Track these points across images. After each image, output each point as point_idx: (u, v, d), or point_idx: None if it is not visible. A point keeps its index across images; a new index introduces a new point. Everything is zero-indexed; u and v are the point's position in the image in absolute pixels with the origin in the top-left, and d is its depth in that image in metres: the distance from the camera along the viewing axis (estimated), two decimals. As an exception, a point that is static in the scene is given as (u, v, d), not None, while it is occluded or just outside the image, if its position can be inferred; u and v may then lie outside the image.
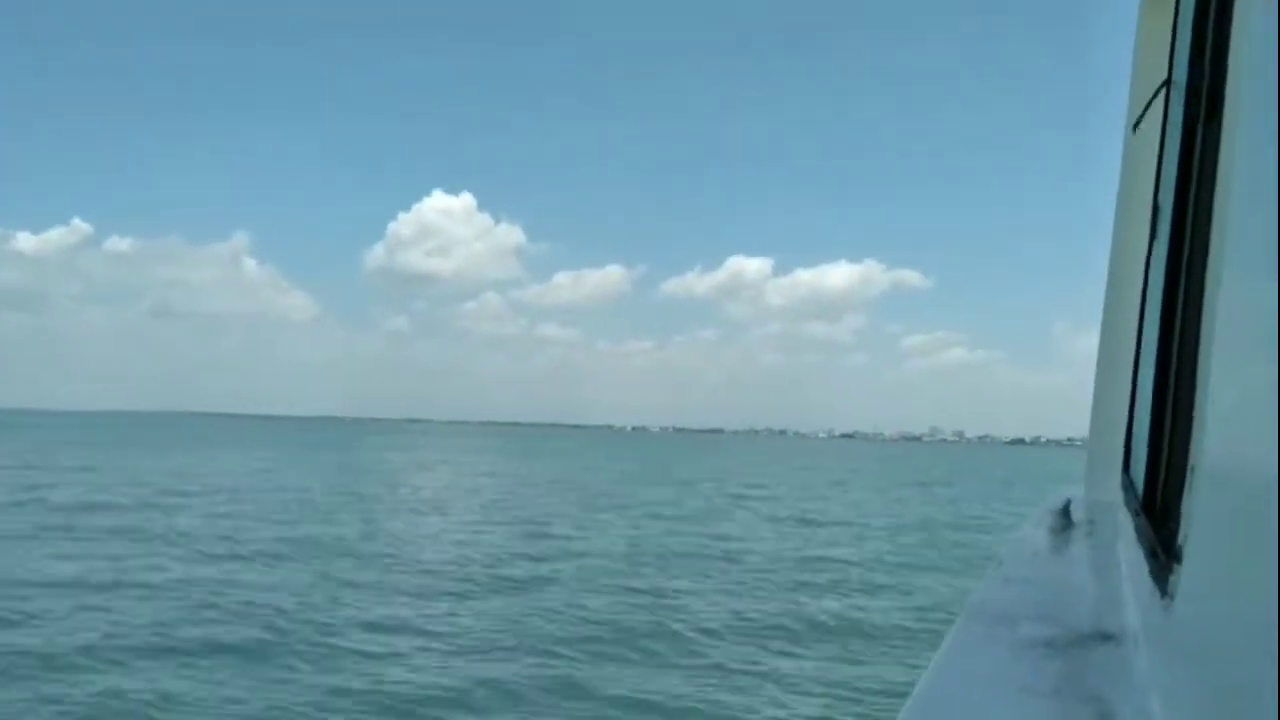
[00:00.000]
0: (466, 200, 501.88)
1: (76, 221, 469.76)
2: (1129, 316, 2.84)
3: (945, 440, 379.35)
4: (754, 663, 10.89)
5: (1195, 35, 1.81)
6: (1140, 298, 2.64)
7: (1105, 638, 1.50)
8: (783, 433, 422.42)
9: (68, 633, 10.96)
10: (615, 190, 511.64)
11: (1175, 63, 2.26)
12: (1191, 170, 1.79)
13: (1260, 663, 0.55)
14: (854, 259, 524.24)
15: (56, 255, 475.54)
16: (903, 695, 1.30)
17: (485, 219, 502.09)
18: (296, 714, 8.49)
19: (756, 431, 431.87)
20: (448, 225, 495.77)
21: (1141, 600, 1.44)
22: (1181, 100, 1.99)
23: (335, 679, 9.56)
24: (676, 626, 12.58)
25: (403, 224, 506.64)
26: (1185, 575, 1.03)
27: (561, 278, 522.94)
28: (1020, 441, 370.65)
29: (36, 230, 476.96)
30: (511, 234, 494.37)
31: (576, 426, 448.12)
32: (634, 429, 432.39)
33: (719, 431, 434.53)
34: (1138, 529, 1.77)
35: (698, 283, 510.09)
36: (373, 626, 12.01)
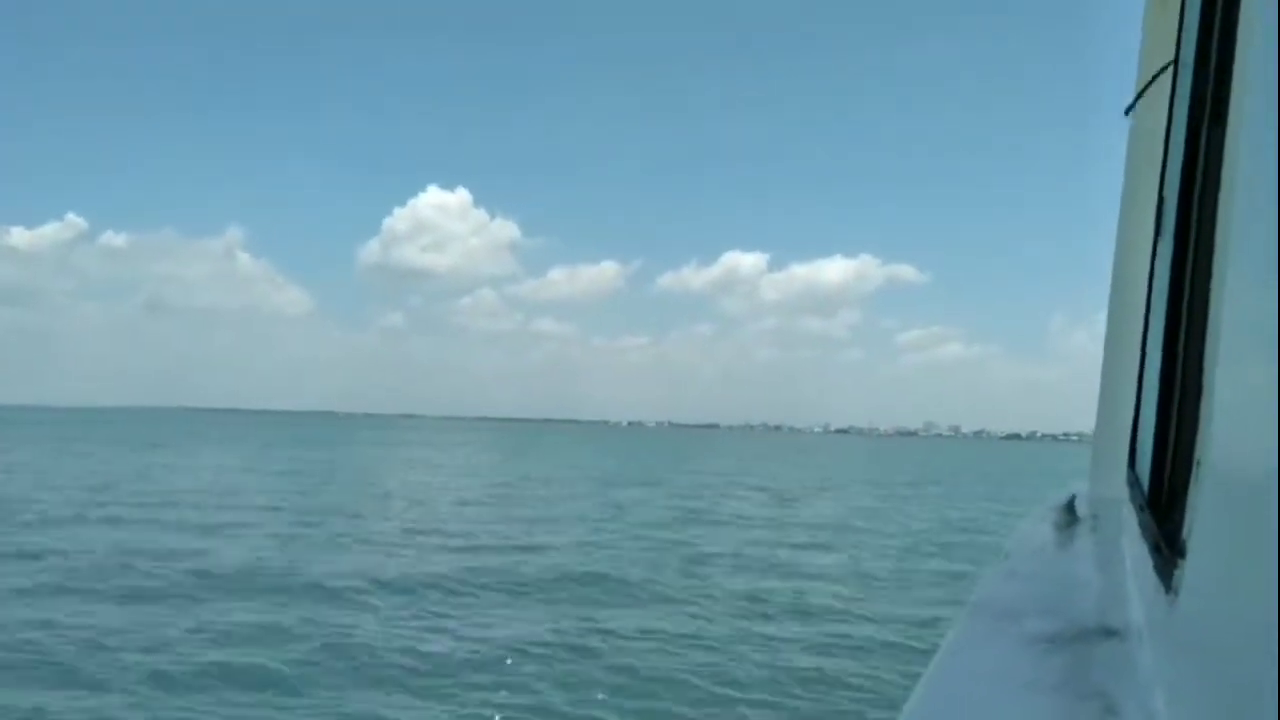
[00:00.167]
0: (462, 196, 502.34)
1: (71, 216, 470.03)
2: (1134, 311, 2.83)
3: (940, 435, 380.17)
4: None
5: (1202, 26, 1.80)
6: (1146, 292, 2.63)
7: (1109, 633, 1.50)
8: (778, 428, 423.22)
9: None
10: (611, 186, 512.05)
11: (1181, 54, 2.25)
12: (1197, 163, 1.78)
13: (1264, 658, 0.55)
14: (849, 254, 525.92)
15: (51, 250, 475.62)
16: (907, 690, 1.30)
17: (481, 214, 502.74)
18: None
19: (752, 427, 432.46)
20: (443, 221, 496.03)
21: (1146, 596, 1.44)
22: (1187, 93, 1.99)
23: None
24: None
25: (398, 219, 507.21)
26: (1190, 571, 1.03)
27: (557, 273, 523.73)
28: (1016, 437, 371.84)
29: (31, 225, 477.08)
30: (507, 229, 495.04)
31: (572, 422, 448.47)
32: (629, 424, 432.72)
33: (714, 427, 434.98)
34: (1142, 524, 1.77)
35: (693, 278, 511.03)
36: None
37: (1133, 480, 2.43)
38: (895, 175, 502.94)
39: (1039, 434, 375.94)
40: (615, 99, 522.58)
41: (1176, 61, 2.35)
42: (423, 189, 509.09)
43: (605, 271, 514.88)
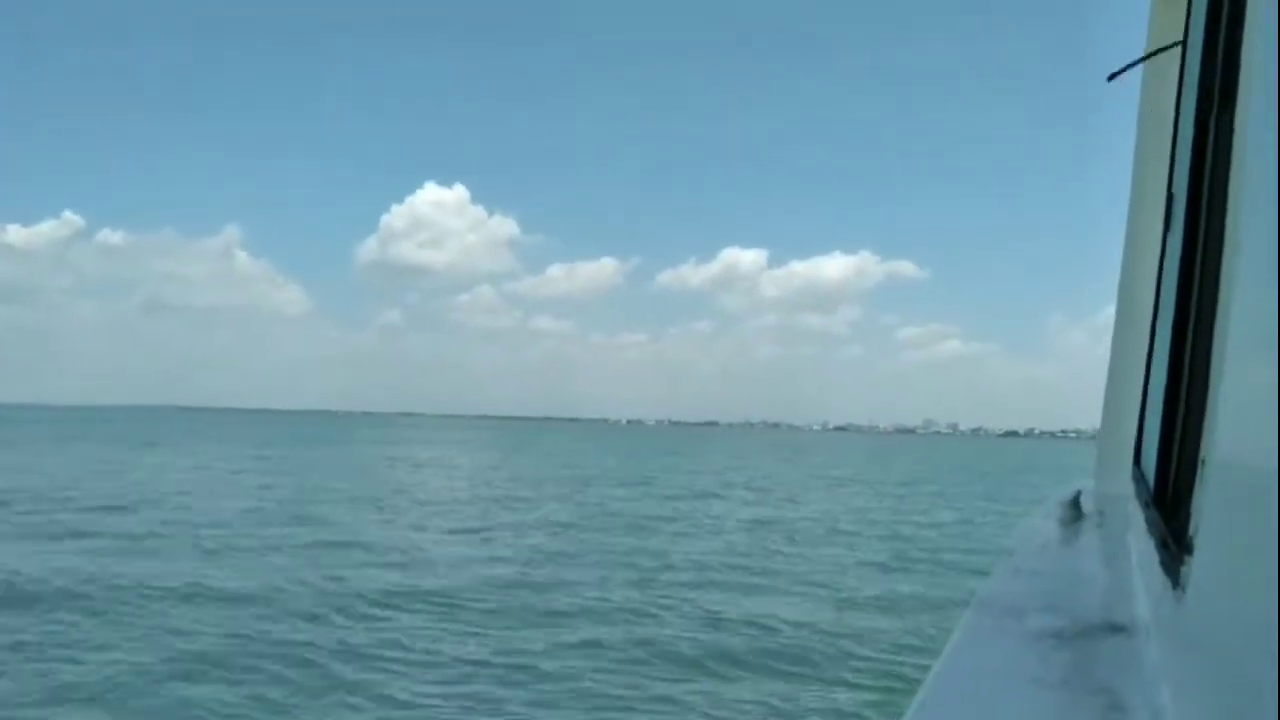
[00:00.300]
0: (460, 192, 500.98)
1: (68, 214, 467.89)
2: (1143, 308, 2.83)
3: (939, 432, 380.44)
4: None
5: (1209, 19, 1.80)
6: (1154, 288, 2.63)
7: (1116, 629, 1.50)
8: (777, 425, 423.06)
9: None
10: (610, 182, 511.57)
11: (1188, 51, 2.25)
12: (1205, 160, 1.78)
13: (1271, 654, 0.55)
14: (849, 250, 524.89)
15: (48, 248, 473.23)
16: (913, 687, 1.30)
17: (479, 211, 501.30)
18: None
19: (751, 424, 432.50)
20: (441, 218, 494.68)
21: (1152, 592, 1.45)
22: (1195, 83, 1.99)
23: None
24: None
25: (396, 216, 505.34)
26: (1196, 567, 1.03)
27: (555, 270, 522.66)
28: (1014, 434, 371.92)
29: (27, 223, 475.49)
30: (505, 226, 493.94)
31: (571, 420, 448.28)
32: (629, 422, 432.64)
33: (714, 424, 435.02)
34: (1148, 521, 1.77)
35: (692, 275, 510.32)
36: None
37: (1138, 476, 2.43)
38: (894, 171, 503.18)
39: (1037, 431, 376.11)
40: (614, 96, 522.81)
41: (1183, 60, 2.35)
42: (420, 186, 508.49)
43: (604, 268, 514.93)
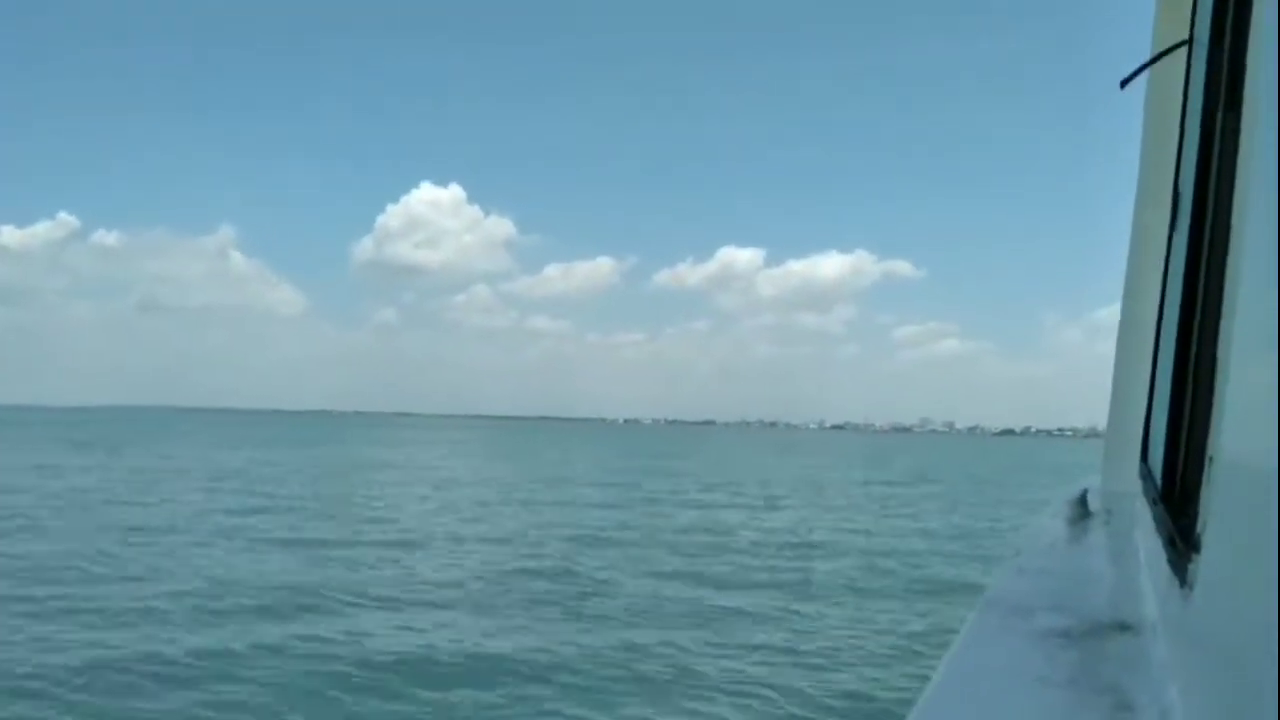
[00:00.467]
0: (455, 192, 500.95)
1: (63, 215, 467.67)
2: (1149, 306, 2.83)
3: (935, 431, 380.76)
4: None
5: (1215, 19, 1.79)
6: (1160, 287, 2.63)
7: (1123, 627, 1.50)
8: (774, 424, 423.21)
9: None
10: (606, 182, 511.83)
11: (1194, 50, 2.25)
12: (1212, 153, 1.78)
13: (1278, 652, 0.55)
14: (845, 249, 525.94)
15: (43, 249, 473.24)
16: (919, 686, 1.30)
17: (475, 211, 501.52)
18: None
19: (748, 423, 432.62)
20: (436, 217, 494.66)
21: (1159, 590, 1.44)
22: (1201, 82, 1.99)
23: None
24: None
25: (391, 216, 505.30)
26: (1204, 565, 1.03)
27: (552, 270, 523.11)
28: (1010, 432, 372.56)
29: (22, 224, 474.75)
30: (501, 226, 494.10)
31: (568, 419, 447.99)
32: (626, 421, 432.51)
33: (711, 423, 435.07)
34: (1156, 518, 1.77)
35: (689, 274, 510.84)
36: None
37: (1145, 474, 2.43)
38: (890, 171, 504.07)
39: (1033, 429, 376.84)
40: (611, 96, 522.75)
41: (1190, 58, 2.35)
42: (416, 186, 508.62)
43: (600, 268, 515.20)
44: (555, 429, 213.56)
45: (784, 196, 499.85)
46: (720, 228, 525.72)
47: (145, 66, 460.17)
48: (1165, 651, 1.28)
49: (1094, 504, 2.80)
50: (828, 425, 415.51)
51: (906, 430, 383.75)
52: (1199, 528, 1.08)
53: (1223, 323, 1.17)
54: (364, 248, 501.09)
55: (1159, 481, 1.99)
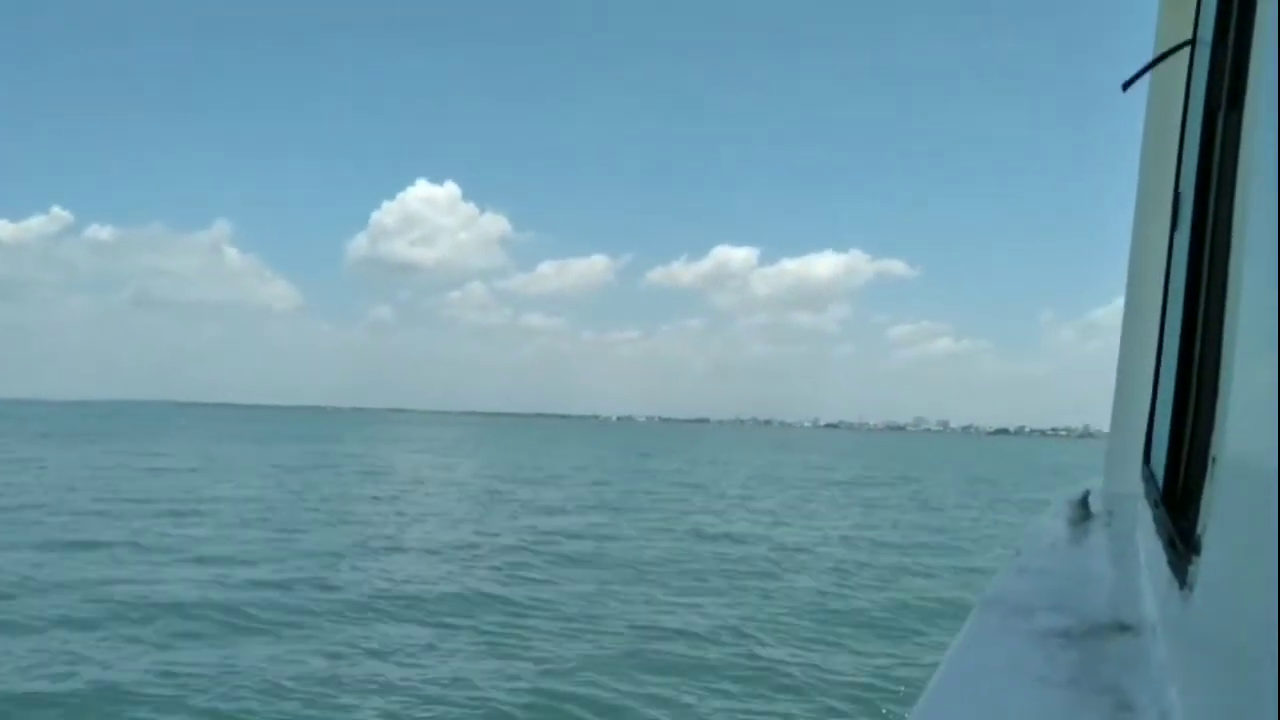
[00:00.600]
0: (451, 189, 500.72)
1: (56, 210, 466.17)
2: (1151, 307, 2.83)
3: (929, 430, 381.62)
4: None
5: (1218, 18, 1.79)
6: (1163, 286, 2.63)
7: (1123, 628, 1.50)
8: (768, 423, 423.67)
9: None
10: (601, 180, 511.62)
11: (1197, 50, 2.25)
12: (1213, 153, 1.78)
13: (1278, 654, 0.55)
14: (839, 248, 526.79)
15: (36, 243, 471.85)
16: (919, 685, 1.30)
17: (470, 208, 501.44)
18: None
19: (742, 421, 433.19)
20: (432, 214, 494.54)
21: (1160, 591, 1.44)
22: (1202, 82, 1.98)
23: None
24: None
25: (386, 213, 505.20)
26: (1204, 567, 1.03)
27: (546, 267, 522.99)
28: (1004, 431, 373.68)
29: (15, 219, 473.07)
30: (497, 223, 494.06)
31: (562, 416, 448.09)
32: (619, 419, 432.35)
33: (704, 421, 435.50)
34: (1157, 520, 1.77)
35: (683, 272, 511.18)
36: None
37: (1147, 476, 2.43)
38: (885, 170, 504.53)
39: (1027, 429, 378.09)
40: (607, 95, 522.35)
41: (1192, 56, 2.35)
42: (411, 183, 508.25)
43: (595, 265, 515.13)
44: (548, 426, 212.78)
45: (779, 195, 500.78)
46: (715, 226, 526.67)
47: (139, 63, 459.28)
48: (1165, 653, 1.28)
49: (1095, 505, 2.80)
50: (822, 424, 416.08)
51: (900, 429, 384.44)
52: (1199, 529, 1.08)
53: (1225, 324, 1.17)
54: (359, 244, 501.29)
55: (1161, 483, 2.00)
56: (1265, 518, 0.64)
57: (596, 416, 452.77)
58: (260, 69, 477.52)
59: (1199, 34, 2.24)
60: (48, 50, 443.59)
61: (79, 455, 43.89)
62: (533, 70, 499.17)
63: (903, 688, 9.47)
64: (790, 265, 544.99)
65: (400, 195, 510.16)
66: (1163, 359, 2.49)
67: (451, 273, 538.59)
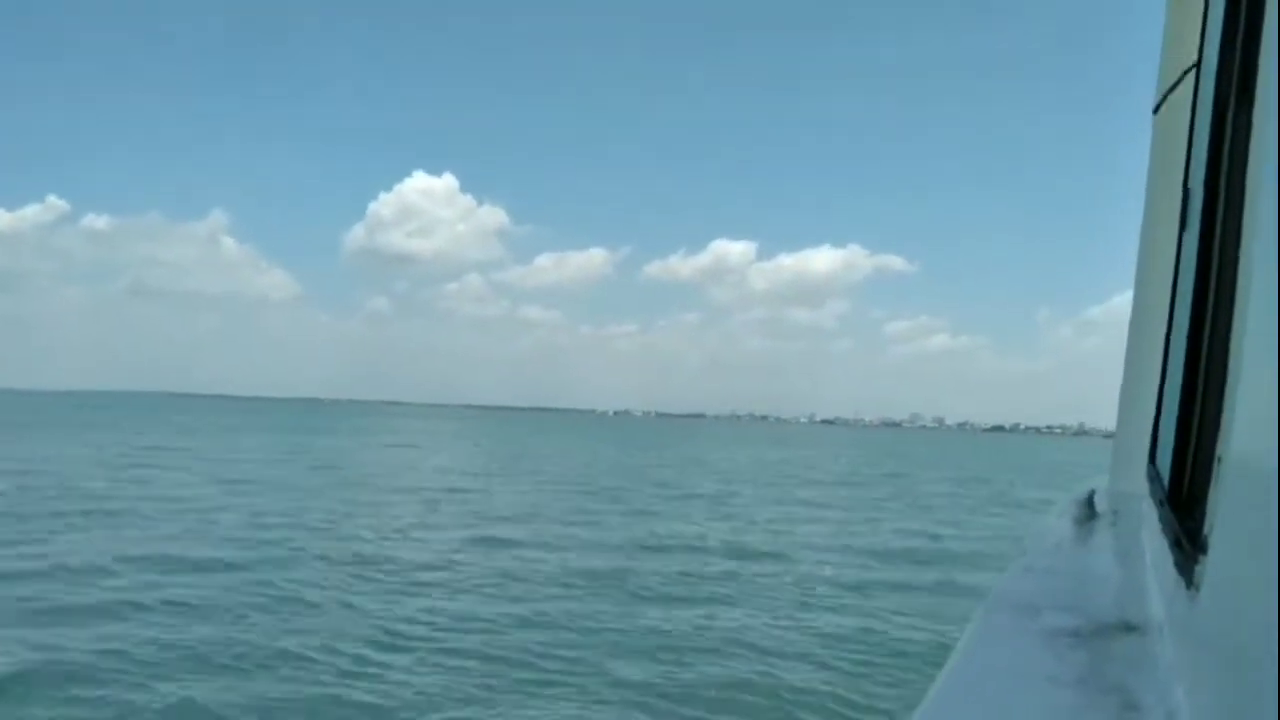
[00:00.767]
0: (449, 181, 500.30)
1: (52, 199, 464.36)
2: (1159, 306, 2.82)
3: (925, 426, 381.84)
4: None
5: (1227, 17, 1.78)
6: (1170, 287, 2.63)
7: (1129, 628, 1.50)
8: (764, 418, 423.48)
9: None
10: (600, 173, 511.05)
11: (1205, 45, 2.24)
12: (1222, 157, 1.77)
13: None
14: (837, 244, 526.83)
15: (32, 232, 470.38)
16: (924, 685, 1.30)
17: (468, 200, 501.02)
18: None
19: (739, 416, 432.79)
20: (429, 206, 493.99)
21: (1166, 591, 1.44)
22: (1211, 84, 1.97)
23: None
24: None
25: (383, 204, 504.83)
26: (1210, 566, 1.03)
27: (544, 260, 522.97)
28: (1000, 428, 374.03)
29: (11, 207, 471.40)
30: (494, 215, 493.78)
31: (558, 410, 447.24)
32: (616, 413, 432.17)
33: (701, 416, 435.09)
34: (1163, 520, 1.77)
35: (681, 266, 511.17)
36: None
37: (1153, 475, 2.43)
38: (885, 166, 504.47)
39: (1023, 426, 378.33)
40: (607, 88, 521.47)
41: (1200, 55, 2.34)
42: (409, 174, 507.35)
43: (593, 258, 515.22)
44: (545, 420, 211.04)
45: (778, 190, 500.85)
46: (713, 220, 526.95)
47: (137, 51, 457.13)
48: (1171, 653, 1.28)
49: (1101, 505, 2.80)
50: (818, 419, 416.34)
51: (896, 425, 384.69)
52: (1206, 529, 1.08)
53: (1233, 324, 1.17)
54: (356, 236, 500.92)
55: (1166, 483, 2.00)
56: (1272, 518, 0.64)
57: (593, 410, 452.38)
58: (259, 57, 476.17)
59: (1207, 34, 2.24)
60: (43, 37, 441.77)
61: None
62: (533, 62, 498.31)
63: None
64: (788, 260, 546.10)
65: (398, 186, 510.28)
66: (1169, 358, 2.48)
67: (449, 264, 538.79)
